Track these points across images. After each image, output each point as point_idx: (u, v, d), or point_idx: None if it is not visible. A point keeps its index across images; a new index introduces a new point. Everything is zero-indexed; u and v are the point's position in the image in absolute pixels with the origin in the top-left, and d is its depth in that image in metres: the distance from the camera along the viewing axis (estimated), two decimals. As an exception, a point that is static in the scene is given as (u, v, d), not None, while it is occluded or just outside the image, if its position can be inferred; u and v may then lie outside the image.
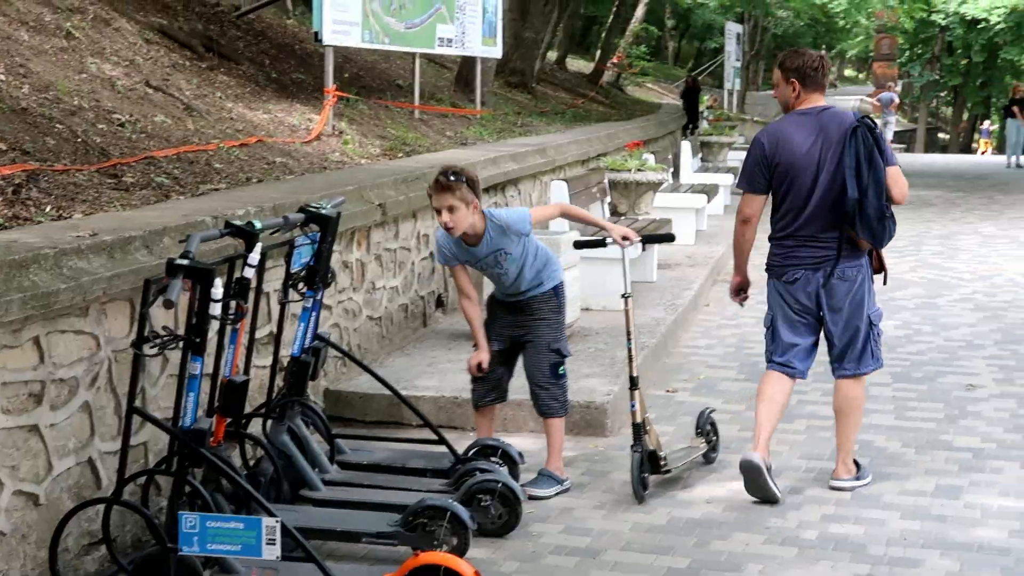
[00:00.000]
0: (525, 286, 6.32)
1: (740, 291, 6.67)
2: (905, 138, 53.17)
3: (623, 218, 12.00)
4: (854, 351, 6.34)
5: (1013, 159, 32.01)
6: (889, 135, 42.24)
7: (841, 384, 6.39)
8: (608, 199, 12.41)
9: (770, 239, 6.38)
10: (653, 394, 8.16)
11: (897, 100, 44.13)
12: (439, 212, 6.02)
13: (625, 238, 6.42)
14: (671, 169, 16.97)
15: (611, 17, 34.94)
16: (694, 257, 13.00)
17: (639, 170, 12.35)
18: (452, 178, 5.97)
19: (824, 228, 6.16)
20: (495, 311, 6.50)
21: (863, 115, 6.37)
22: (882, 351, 6.51)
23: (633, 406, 6.15)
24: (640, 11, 38.52)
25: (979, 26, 53.04)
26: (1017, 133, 32.52)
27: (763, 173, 6.25)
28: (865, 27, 61.16)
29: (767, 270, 6.44)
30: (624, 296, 6.38)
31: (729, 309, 11.10)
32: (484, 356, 6.28)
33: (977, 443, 7.19)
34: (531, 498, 6.13)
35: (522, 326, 6.36)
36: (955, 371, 8.96)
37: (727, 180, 18.54)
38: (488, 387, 6.42)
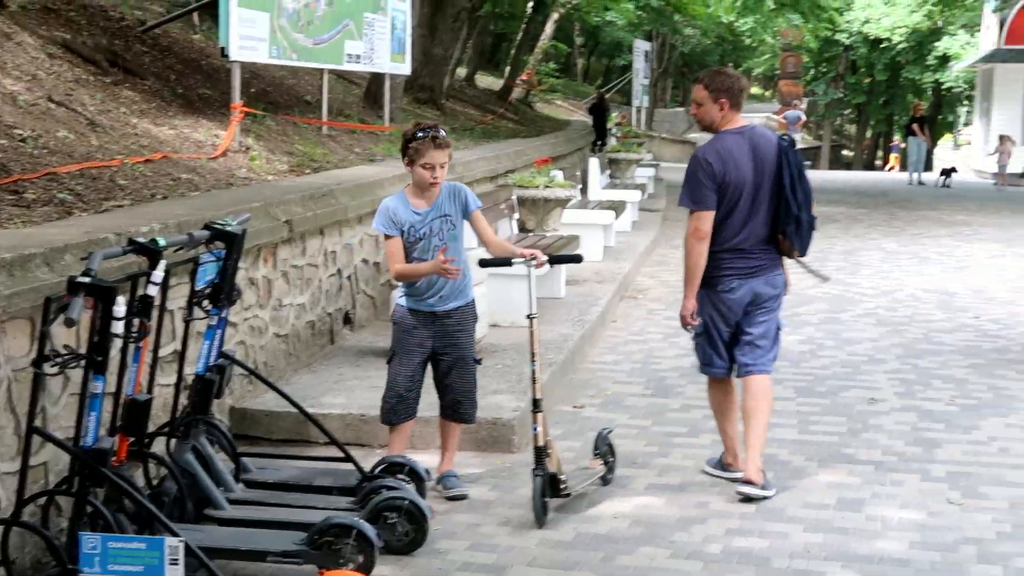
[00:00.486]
0: (448, 291, 6.39)
1: (694, 315, 6.64)
2: (810, 155, 53.87)
3: (531, 235, 12.04)
4: (767, 349, 6.72)
5: (915, 176, 32.60)
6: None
7: (754, 380, 6.65)
8: (516, 216, 12.45)
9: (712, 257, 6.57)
10: (560, 410, 8.20)
11: (803, 118, 44.89)
12: (432, 168, 6.21)
13: (533, 258, 6.39)
14: (579, 186, 17.06)
15: (520, 34, 35.04)
16: (602, 273, 13.07)
17: (547, 187, 12.39)
18: (445, 135, 6.32)
19: (760, 240, 6.54)
20: (411, 326, 6.44)
21: (780, 134, 6.74)
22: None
23: (535, 429, 6.11)
24: (549, 28, 38.69)
25: (882, 46, 54.03)
26: (918, 151, 33.13)
27: (714, 191, 6.42)
28: (771, 45, 61.90)
29: (704, 282, 6.59)
30: (529, 316, 6.35)
31: (636, 325, 11.19)
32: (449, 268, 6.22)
33: (879, 456, 7.30)
34: (454, 499, 6.35)
35: (446, 338, 6.45)
36: (858, 385, 9.09)
37: (635, 196, 18.67)
38: (409, 403, 6.47)
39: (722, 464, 6.88)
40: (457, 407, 6.56)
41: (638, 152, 23.14)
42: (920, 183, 32.12)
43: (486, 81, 34.38)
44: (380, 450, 7.05)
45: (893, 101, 59.52)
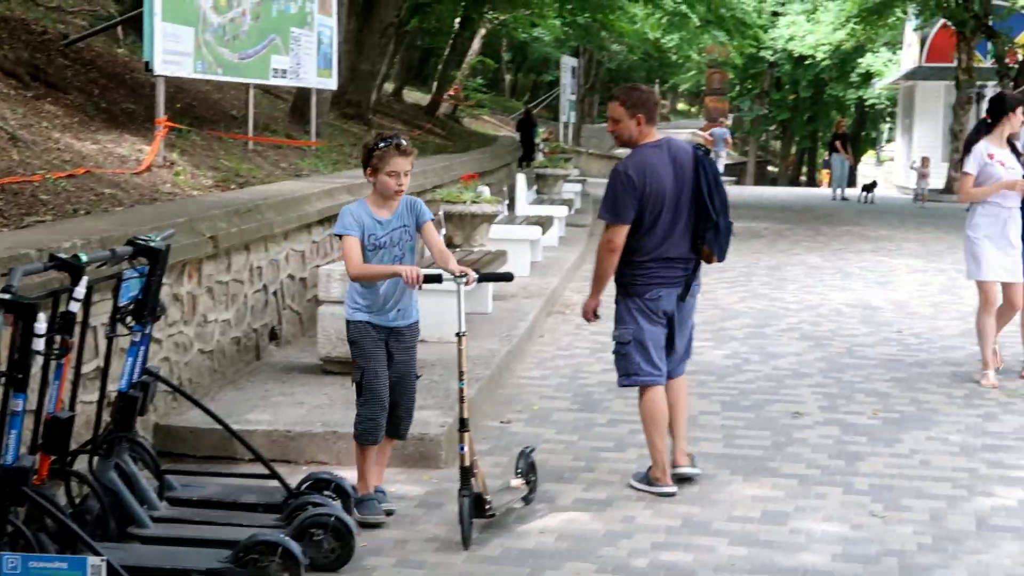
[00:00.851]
0: (404, 306, 6.37)
1: (595, 312, 7.09)
2: (736, 171, 54.33)
3: (458, 250, 12.04)
4: (687, 353, 7.16)
5: (838, 192, 33.00)
6: (720, 169, 43.27)
7: (677, 383, 7.06)
8: (443, 231, 12.44)
9: (629, 262, 6.78)
10: (488, 425, 8.20)
11: (729, 136, 45.45)
12: (397, 175, 6.19)
13: (463, 275, 6.28)
14: (506, 201, 17.11)
15: (448, 50, 35.10)
16: (529, 288, 13.09)
17: (474, 202, 12.41)
18: (408, 143, 6.30)
19: (683, 250, 6.79)
20: (374, 339, 6.30)
21: (696, 145, 7.03)
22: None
23: (462, 448, 6.05)
24: (477, 44, 38.85)
25: (806, 63, 54.58)
26: (841, 167, 33.59)
27: (634, 204, 6.63)
28: (697, 62, 62.41)
29: (621, 290, 6.87)
30: (458, 334, 6.24)
31: (563, 340, 11.22)
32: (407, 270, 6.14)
33: (802, 469, 7.37)
34: (387, 513, 6.32)
35: (399, 355, 6.38)
36: (782, 399, 9.17)
37: (562, 212, 18.73)
38: (383, 418, 6.37)
39: (648, 479, 6.91)
40: (399, 423, 6.48)
41: (565, 167, 23.23)
42: (843, 198, 32.53)
43: (413, 96, 34.39)
44: (306, 466, 7.03)
45: (817, 117, 60.23)
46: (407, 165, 6.23)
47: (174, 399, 7.63)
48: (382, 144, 6.20)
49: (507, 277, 7.04)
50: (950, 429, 8.35)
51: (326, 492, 6.04)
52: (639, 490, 6.89)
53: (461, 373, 6.19)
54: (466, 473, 6.02)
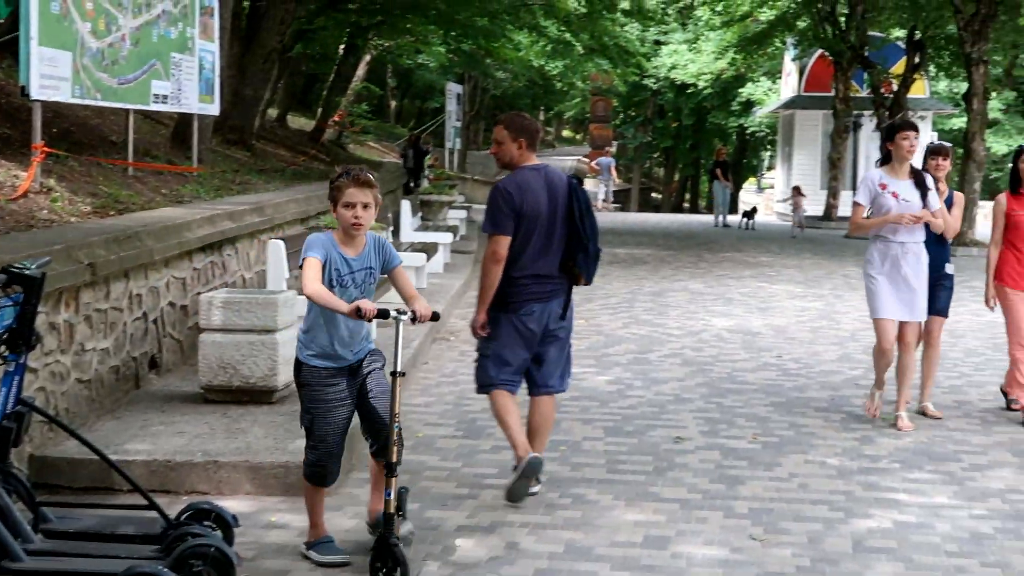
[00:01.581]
0: (359, 341, 6.14)
1: (484, 326, 7.29)
2: (620, 197, 54.79)
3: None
4: (559, 370, 7.44)
5: (720, 218, 33.45)
6: (606, 195, 44.00)
7: (543, 400, 7.40)
8: (327, 258, 12.36)
9: (506, 279, 7.16)
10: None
11: (615, 164, 46.06)
12: (354, 206, 5.95)
13: (413, 312, 6.08)
14: (391, 228, 17.08)
15: (332, 75, 34.99)
16: (414, 315, 13.05)
17: (358, 229, 12.34)
18: (372, 175, 6.08)
19: (554, 268, 7.21)
20: (326, 383, 6.05)
21: (571, 173, 7.56)
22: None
23: (388, 494, 5.82)
24: (362, 70, 38.78)
25: (688, 91, 55.33)
26: (722, 194, 34.07)
27: (512, 218, 7.07)
28: (581, 90, 62.95)
29: (494, 304, 7.21)
30: (394, 374, 5.95)
31: (448, 367, 11.22)
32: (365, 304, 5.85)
33: (684, 494, 7.44)
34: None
35: (369, 380, 6.14)
36: (664, 424, 9.26)
37: (447, 239, 18.75)
38: (340, 460, 6.16)
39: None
40: (387, 446, 6.05)
41: (450, 194, 23.28)
42: (725, 225, 32.98)
43: (298, 122, 34.22)
44: (187, 497, 6.94)
45: (700, 145, 61.02)
46: (366, 197, 5.97)
47: (50, 429, 7.48)
48: (341, 176, 6.00)
49: (435, 317, 6.42)
50: (827, 452, 8.49)
51: (206, 522, 5.96)
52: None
53: (394, 415, 5.92)
54: (390, 520, 5.79)
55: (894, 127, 9.30)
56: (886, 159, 9.30)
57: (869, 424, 9.37)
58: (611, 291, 17.20)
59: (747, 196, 53.20)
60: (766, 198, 49.62)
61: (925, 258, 9.19)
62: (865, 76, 35.84)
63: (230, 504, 6.42)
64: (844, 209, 35.01)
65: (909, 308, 9.17)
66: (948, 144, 10.07)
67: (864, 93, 36.45)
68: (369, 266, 6.08)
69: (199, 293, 9.86)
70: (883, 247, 9.19)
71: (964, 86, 31.11)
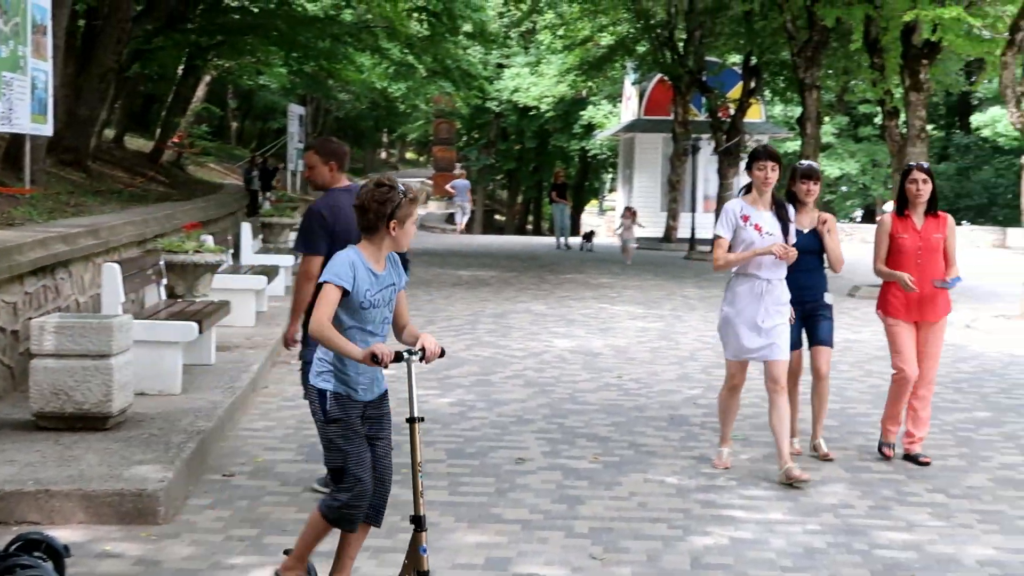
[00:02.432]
0: (379, 379, 5.75)
1: (295, 339, 7.73)
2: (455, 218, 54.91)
3: (180, 300, 11.79)
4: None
5: (561, 240, 33.72)
6: (464, 219, 44.23)
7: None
8: (165, 281, 12.18)
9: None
10: (210, 479, 8.04)
11: (470, 188, 46.36)
12: (403, 223, 5.56)
13: (422, 350, 5.67)
14: (231, 250, 16.86)
15: (171, 96, 34.48)
16: (254, 339, 12.93)
17: (197, 251, 12.18)
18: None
19: None
20: (352, 415, 5.62)
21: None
22: None
23: (423, 550, 5.42)
24: (201, 91, 38.31)
25: (531, 114, 55.80)
26: (562, 216, 34.38)
27: (326, 238, 7.44)
28: (424, 112, 63.08)
29: None
30: (411, 420, 5.50)
31: (289, 390, 11.10)
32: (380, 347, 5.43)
33: (525, 514, 7.47)
34: None
35: (377, 426, 5.75)
36: (506, 445, 9.28)
37: (288, 261, 18.55)
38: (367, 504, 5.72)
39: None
40: (381, 507, 5.83)
41: (292, 216, 23.06)
42: (566, 247, 33.25)
43: (136, 143, 33.62)
44: (17, 527, 6.74)
45: (542, 167, 61.51)
46: (417, 212, 5.70)
47: None
48: (401, 194, 5.54)
49: (442, 354, 5.98)
50: (666, 471, 8.60)
51: (36, 553, 5.79)
52: (319, 491, 7.60)
53: (416, 464, 5.46)
54: None
55: (753, 155, 8.61)
56: (750, 187, 8.67)
57: (707, 443, 9.51)
58: (454, 313, 17.23)
59: (589, 218, 53.75)
60: (608, 220, 50.22)
61: (787, 296, 8.57)
62: (703, 100, 36.53)
63: (62, 534, 6.26)
64: (683, 231, 35.64)
65: (770, 347, 8.48)
66: (818, 166, 9.42)
67: (702, 117, 37.15)
68: (393, 283, 5.72)
69: (31, 318, 9.62)
70: (747, 283, 8.51)
71: (798, 110, 31.90)
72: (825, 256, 9.05)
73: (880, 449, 9.25)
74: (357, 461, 5.58)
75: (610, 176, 62.85)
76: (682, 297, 20.72)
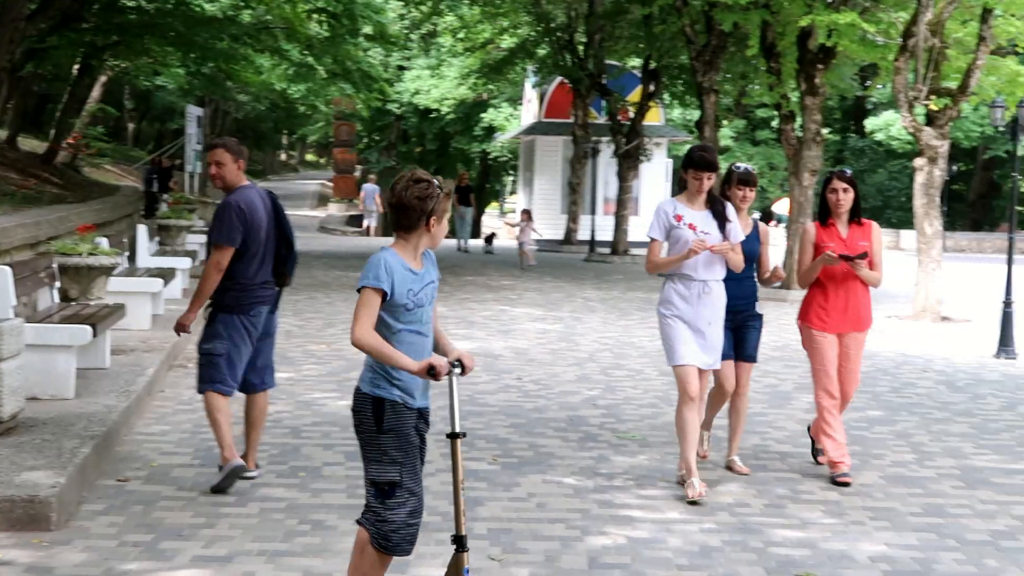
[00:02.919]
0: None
1: (188, 328, 8.20)
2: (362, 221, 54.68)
3: (74, 304, 11.61)
4: (271, 368, 8.33)
5: (463, 243, 33.75)
6: (375, 223, 44.33)
7: (260, 396, 8.25)
8: (58, 284, 11.99)
9: (236, 285, 7.92)
10: (104, 484, 7.93)
11: (379, 193, 46.54)
12: (440, 219, 5.31)
13: (459, 362, 5.36)
14: (127, 253, 16.65)
15: (66, 96, 33.96)
16: (150, 342, 12.77)
17: (91, 254, 12.00)
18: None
19: (269, 273, 8.10)
20: (409, 424, 5.33)
21: (269, 191, 8.38)
22: None
23: (467, 572, 5.19)
24: (97, 91, 37.77)
25: (432, 116, 55.80)
26: (464, 219, 34.40)
27: (241, 232, 7.85)
28: (325, 114, 62.78)
29: (226, 308, 7.94)
30: (452, 435, 5.25)
31: (185, 394, 10.98)
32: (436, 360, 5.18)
33: (424, 517, 7.32)
34: None
35: (423, 440, 5.50)
36: (405, 448, 9.24)
37: (185, 264, 18.36)
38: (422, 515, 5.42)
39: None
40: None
41: (189, 219, 22.83)
42: (467, 250, 33.28)
43: (29, 144, 33.07)
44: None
45: (444, 170, 61.47)
46: (448, 207, 5.43)
47: None
48: (438, 189, 5.29)
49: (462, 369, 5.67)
50: (565, 472, 8.63)
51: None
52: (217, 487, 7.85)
53: (457, 482, 5.22)
54: None
55: (688, 160, 8.15)
56: (683, 186, 8.33)
57: (605, 443, 9.56)
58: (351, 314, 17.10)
59: (490, 220, 53.85)
60: (508, 222, 50.34)
61: (724, 298, 8.20)
62: (603, 103, 36.75)
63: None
64: (584, 233, 35.82)
65: (710, 353, 8.14)
66: (754, 171, 8.93)
67: (602, 120, 37.36)
68: (433, 280, 5.40)
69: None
70: (683, 286, 8.08)
71: (697, 114, 32.19)
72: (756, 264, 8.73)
73: (835, 480, 8.60)
74: (412, 474, 5.27)
75: (511, 178, 63.02)
76: (582, 299, 20.83)
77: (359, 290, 5.19)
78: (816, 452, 9.07)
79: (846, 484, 8.44)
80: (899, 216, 51.10)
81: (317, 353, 13.69)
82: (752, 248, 8.64)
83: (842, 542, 7.17)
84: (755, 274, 8.81)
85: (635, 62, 38.45)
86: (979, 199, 57.06)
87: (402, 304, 5.20)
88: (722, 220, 8.12)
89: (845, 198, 8.62)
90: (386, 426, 5.24)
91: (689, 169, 8.10)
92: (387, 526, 5.25)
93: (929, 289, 18.90)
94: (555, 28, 36.57)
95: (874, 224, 8.83)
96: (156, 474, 8.32)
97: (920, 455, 9.43)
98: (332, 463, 8.71)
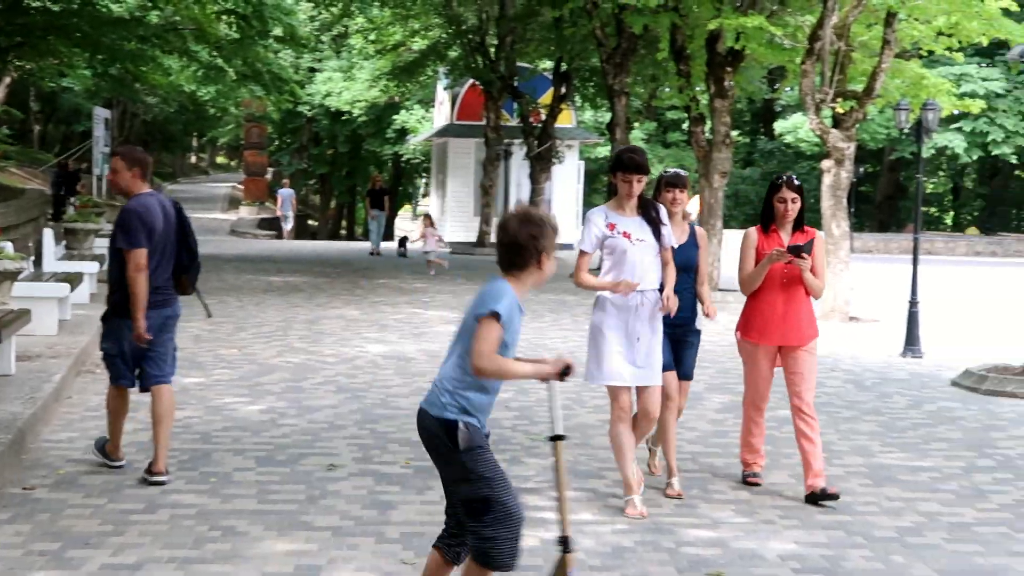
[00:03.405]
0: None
1: (147, 335, 8.18)
2: (277, 225, 54.21)
3: (-22, 309, 11.41)
4: (170, 362, 8.49)
5: (376, 246, 33.63)
6: (289, 225, 44.57)
7: (164, 389, 8.35)
8: (-37, 289, 11.78)
9: (127, 288, 8.12)
10: (10, 492, 7.81)
11: (295, 197, 46.87)
12: (551, 255, 5.28)
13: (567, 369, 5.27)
14: (32, 257, 16.40)
15: (-31, 98, 33.39)
16: (56, 348, 12.59)
17: (-5, 258, 11.82)
18: None
19: (167, 279, 8.35)
20: (489, 450, 5.35)
21: (173, 199, 8.67)
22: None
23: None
24: (1, 93, 37.17)
25: (343, 118, 55.53)
26: (379, 223, 34.30)
27: (145, 234, 8.10)
28: (235, 116, 62.28)
29: (119, 311, 8.18)
30: (555, 438, 5.33)
31: (93, 400, 10.84)
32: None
33: (336, 521, 7.41)
34: None
35: None
36: (317, 452, 9.21)
37: (93, 268, 18.11)
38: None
39: (106, 452, 8.57)
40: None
41: (97, 222, 22.53)
42: (379, 253, 33.17)
43: (-68, 147, 32.47)
44: None
45: (356, 172, 61.28)
46: None
47: None
48: (550, 227, 5.24)
49: None
50: (478, 474, 8.61)
51: None
52: (98, 458, 8.58)
53: (560, 485, 5.30)
54: None
55: (617, 162, 7.72)
56: (613, 191, 7.90)
57: (518, 446, 9.58)
58: (265, 319, 17.04)
59: (403, 223, 53.74)
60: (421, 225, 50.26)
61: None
62: (515, 106, 36.79)
63: None
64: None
65: (643, 372, 7.68)
66: (685, 173, 8.44)
67: (514, 122, 37.38)
68: (522, 312, 5.34)
69: None
70: (617, 297, 7.63)
71: (608, 116, 32.36)
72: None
73: (745, 480, 8.59)
74: (505, 487, 5.24)
75: (423, 181, 62.94)
76: (495, 301, 20.81)
77: (484, 316, 5.11)
78: (746, 476, 8.62)
79: (756, 484, 8.49)
80: (808, 217, 51.36)
81: (227, 357, 13.57)
82: (689, 256, 8.28)
83: (752, 541, 7.24)
84: (692, 284, 8.36)
85: (546, 64, 38.54)
86: (886, 200, 57.86)
87: (508, 343, 5.17)
88: (656, 226, 7.67)
89: (793, 209, 8.33)
90: (477, 443, 5.23)
91: (617, 172, 7.64)
92: (490, 545, 5.24)
93: (837, 290, 19.14)
94: (466, 30, 36.57)
95: (818, 234, 8.43)
96: (63, 482, 8.20)
97: (829, 453, 9.53)
98: (243, 468, 8.64)
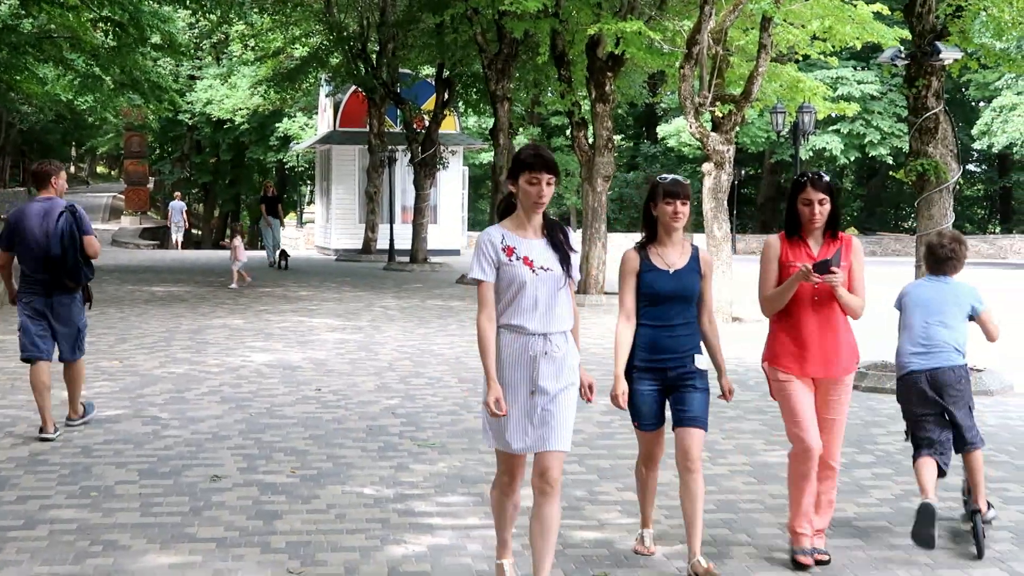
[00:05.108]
0: None
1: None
2: (160, 235, 53.53)
3: None
4: (79, 345, 10.24)
5: (272, 256, 33.31)
6: (180, 237, 44.70)
7: (71, 366, 10.19)
8: None
9: (20, 276, 9.93)
10: None
11: (185, 209, 47.15)
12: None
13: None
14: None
15: None
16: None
17: None
18: None
19: (45, 270, 9.85)
20: None
21: (69, 204, 9.93)
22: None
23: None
24: None
25: (225, 126, 55.01)
26: (270, 230, 33.93)
27: (10, 238, 9.85)
28: (115, 125, 61.39)
29: (19, 295, 9.98)
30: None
31: (-31, 416, 10.62)
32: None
33: (221, 532, 7.33)
34: None
35: None
36: (201, 463, 9.10)
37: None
38: None
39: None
40: None
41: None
42: (271, 263, 32.87)
43: None
44: None
45: (240, 180, 60.72)
46: None
47: None
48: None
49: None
50: (365, 482, 8.60)
51: None
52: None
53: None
54: None
55: (519, 164, 5.83)
56: (508, 209, 6.03)
57: (405, 452, 9.56)
58: (147, 330, 16.82)
59: (287, 231, 53.38)
60: (307, 233, 49.96)
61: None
62: (398, 112, 36.69)
63: None
64: (382, 242, 35.74)
65: (544, 431, 5.86)
66: (686, 181, 6.80)
67: (398, 128, 37.28)
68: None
69: None
70: (518, 341, 5.86)
71: (491, 122, 32.40)
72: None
73: (793, 559, 6.87)
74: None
75: (308, 188, 62.53)
76: (381, 308, 20.79)
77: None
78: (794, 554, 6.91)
79: (805, 566, 6.82)
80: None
81: (109, 370, 13.37)
82: (689, 284, 6.64)
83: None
84: (695, 319, 6.73)
85: (428, 71, 38.50)
86: (767, 202, 58.70)
87: None
88: (564, 252, 5.91)
89: (822, 212, 6.74)
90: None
91: (522, 174, 5.80)
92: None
93: (720, 291, 19.35)
94: (348, 37, 36.37)
95: (855, 240, 6.89)
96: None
97: (714, 453, 9.64)
98: (125, 481, 8.52)
